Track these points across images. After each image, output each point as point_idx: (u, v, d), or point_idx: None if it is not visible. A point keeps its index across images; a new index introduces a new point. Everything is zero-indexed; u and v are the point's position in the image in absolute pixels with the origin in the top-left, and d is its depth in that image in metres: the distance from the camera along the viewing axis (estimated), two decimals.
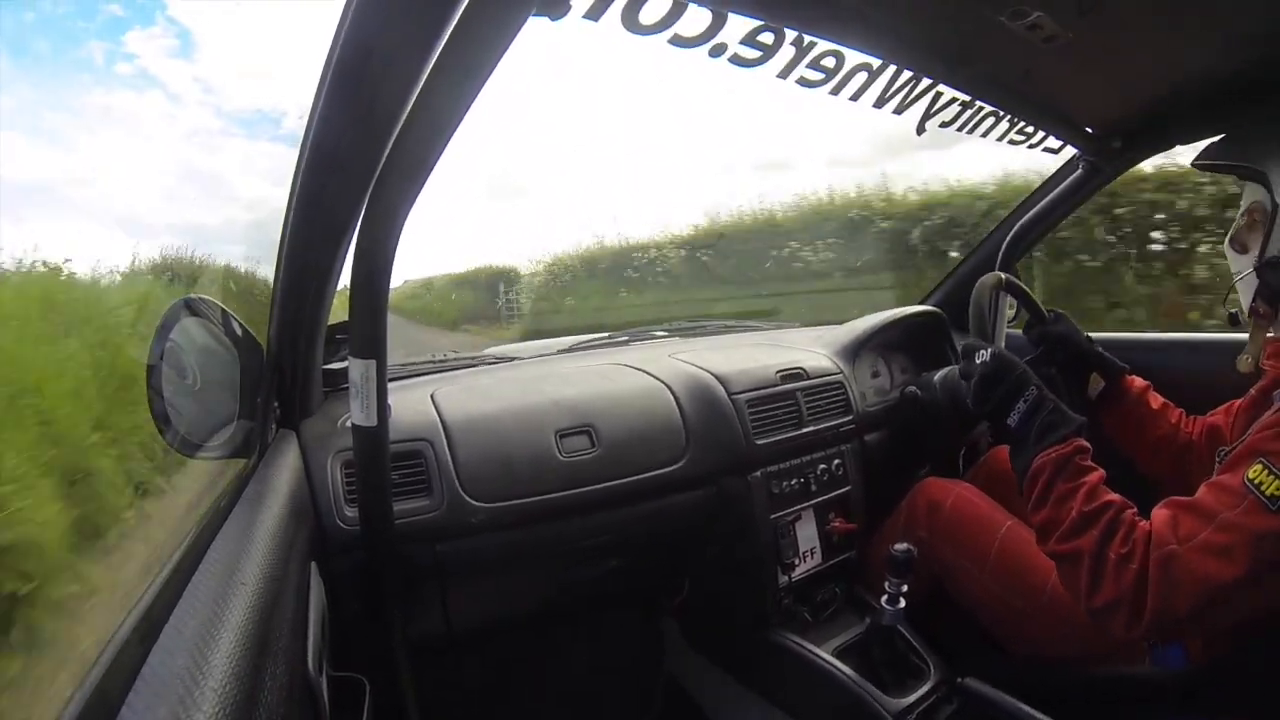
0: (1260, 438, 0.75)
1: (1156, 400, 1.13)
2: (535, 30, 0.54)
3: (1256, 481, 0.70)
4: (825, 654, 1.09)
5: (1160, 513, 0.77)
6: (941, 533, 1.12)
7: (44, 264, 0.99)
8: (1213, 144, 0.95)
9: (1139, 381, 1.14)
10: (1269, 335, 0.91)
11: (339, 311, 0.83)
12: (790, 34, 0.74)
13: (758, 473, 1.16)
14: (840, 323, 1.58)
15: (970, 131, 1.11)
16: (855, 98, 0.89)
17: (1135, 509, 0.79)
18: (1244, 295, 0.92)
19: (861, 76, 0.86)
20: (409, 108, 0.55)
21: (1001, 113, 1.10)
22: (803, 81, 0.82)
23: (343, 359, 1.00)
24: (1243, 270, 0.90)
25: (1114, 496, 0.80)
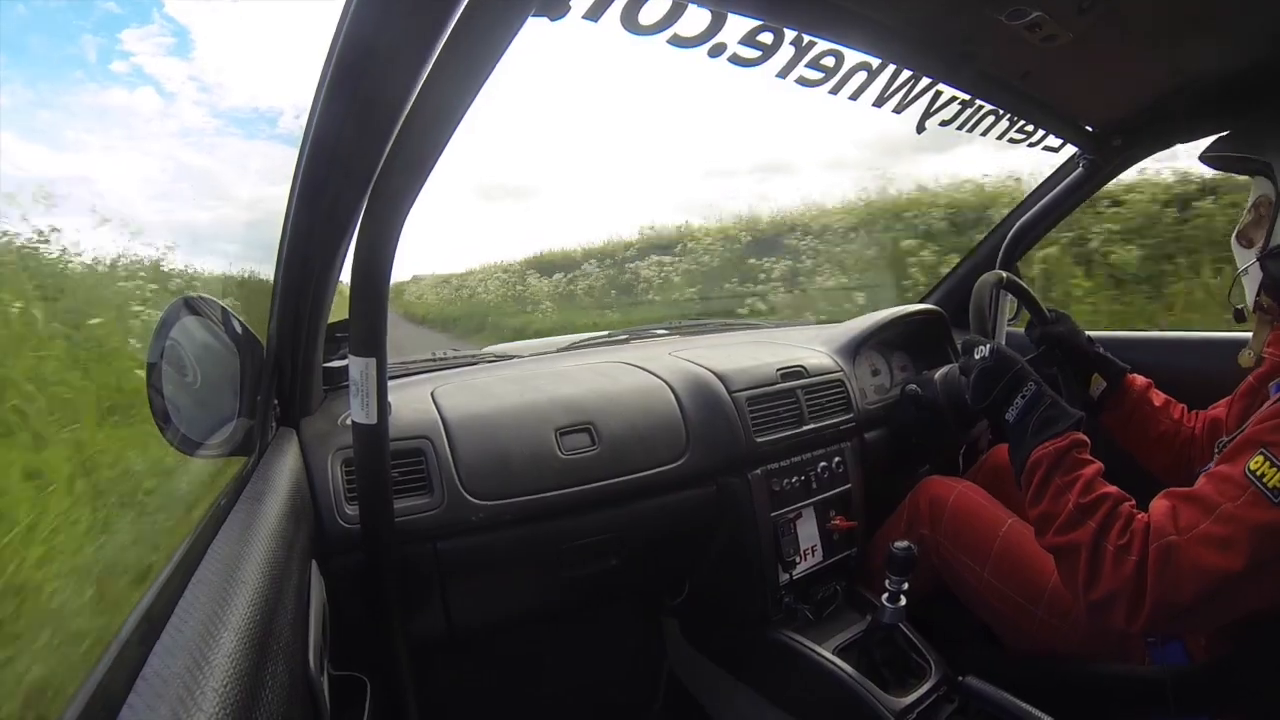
0: (1261, 429, 0.74)
1: (1159, 398, 1.13)
2: (534, 30, 0.55)
3: (1258, 473, 0.70)
4: (826, 652, 1.09)
5: (1160, 503, 0.76)
6: (944, 530, 1.12)
7: None
8: (1219, 139, 0.95)
9: (1140, 380, 1.14)
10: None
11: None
12: (789, 34, 0.73)
13: (758, 470, 1.15)
14: (841, 321, 1.58)
15: (970, 130, 1.11)
16: (855, 97, 0.89)
17: (1133, 501, 0.79)
18: (1249, 289, 0.92)
19: (861, 75, 0.86)
20: (410, 105, 0.55)
21: (1001, 111, 1.10)
22: (802, 81, 0.82)
23: (343, 357, 1.00)
24: (1247, 264, 0.90)
25: (1111, 488, 0.80)
